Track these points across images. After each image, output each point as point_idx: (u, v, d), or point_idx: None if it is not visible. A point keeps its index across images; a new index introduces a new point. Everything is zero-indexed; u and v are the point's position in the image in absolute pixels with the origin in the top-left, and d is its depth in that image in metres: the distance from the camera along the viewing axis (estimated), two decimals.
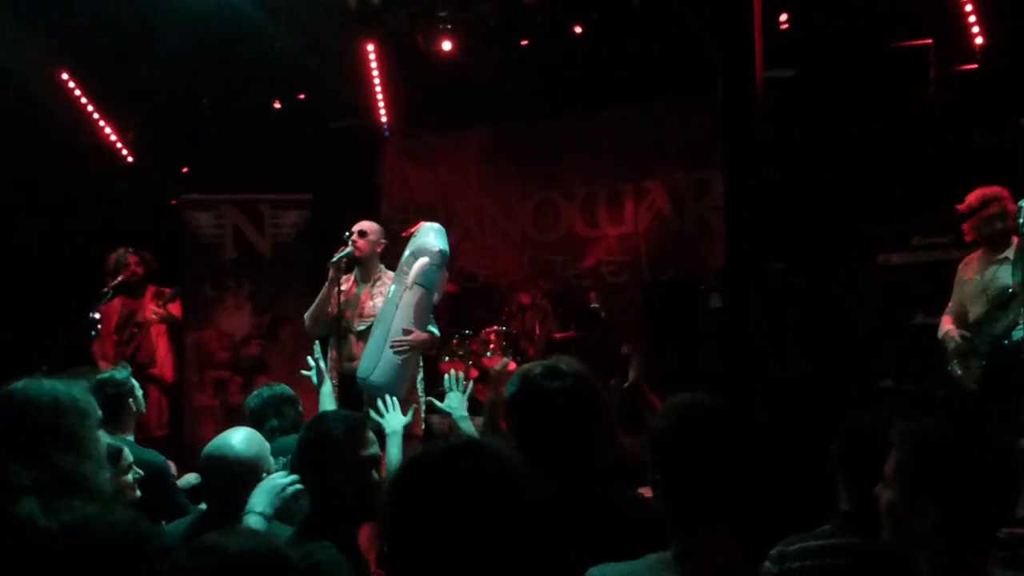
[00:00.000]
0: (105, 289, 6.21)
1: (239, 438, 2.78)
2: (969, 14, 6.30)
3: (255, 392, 4.17)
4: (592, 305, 7.07)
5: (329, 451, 2.50)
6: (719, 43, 4.85)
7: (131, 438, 3.79)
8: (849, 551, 2.26)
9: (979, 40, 6.34)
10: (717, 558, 1.84)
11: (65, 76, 7.63)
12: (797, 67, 6.46)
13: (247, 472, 2.70)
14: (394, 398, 3.51)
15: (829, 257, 6.20)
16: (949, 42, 6.33)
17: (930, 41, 6.21)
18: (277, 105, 8.27)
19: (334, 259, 5.44)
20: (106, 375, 3.85)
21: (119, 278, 6.27)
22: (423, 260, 5.30)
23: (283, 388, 4.14)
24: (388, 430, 3.28)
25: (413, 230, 5.70)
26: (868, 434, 2.30)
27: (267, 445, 2.87)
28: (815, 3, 6.51)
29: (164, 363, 6.20)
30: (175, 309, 6.20)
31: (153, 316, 6.00)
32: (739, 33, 4.73)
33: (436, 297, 5.48)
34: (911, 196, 6.09)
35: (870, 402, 5.41)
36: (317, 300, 5.51)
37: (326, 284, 5.40)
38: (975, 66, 6.38)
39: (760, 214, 4.84)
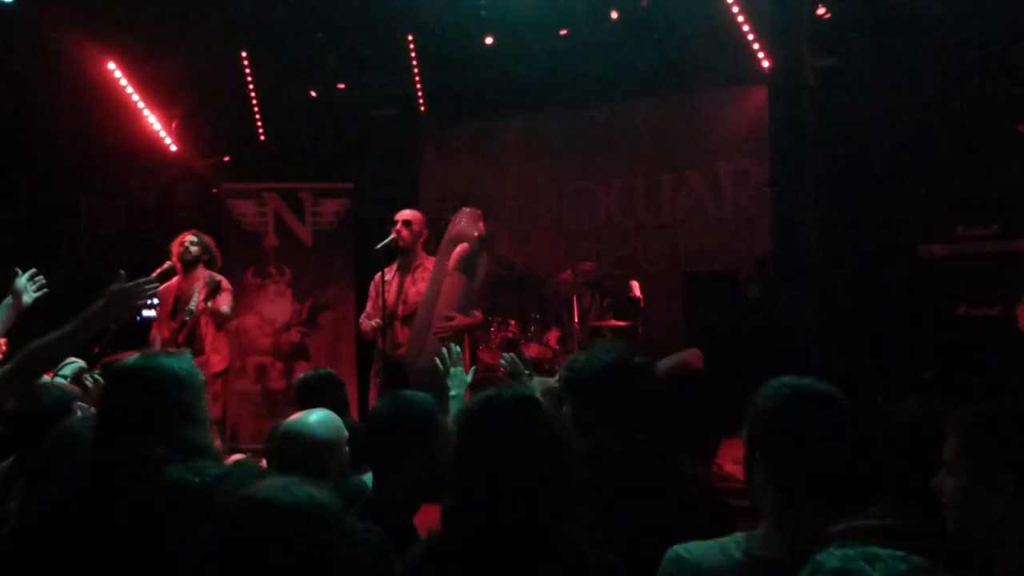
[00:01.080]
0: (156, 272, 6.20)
1: (316, 418, 2.85)
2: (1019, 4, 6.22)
3: (304, 373, 4.25)
4: (631, 294, 7.08)
5: (434, 430, 2.54)
6: (767, 31, 4.84)
7: None
8: (895, 532, 2.24)
9: None
10: (810, 536, 1.85)
11: (112, 65, 7.74)
12: (842, 56, 6.42)
13: (325, 451, 2.77)
14: (457, 350, 3.54)
15: (872, 247, 6.16)
16: (994, 32, 6.25)
17: (974, 31, 6.14)
18: (313, 95, 8.33)
19: (378, 247, 5.53)
20: (111, 361, 3.98)
21: (163, 264, 6.28)
22: (462, 245, 5.36)
23: (329, 371, 4.21)
24: (452, 392, 3.31)
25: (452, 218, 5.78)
26: (915, 420, 2.33)
27: (344, 428, 2.92)
28: None
29: (210, 352, 6.28)
30: (221, 302, 6.18)
31: (201, 307, 6.04)
32: (787, 22, 4.72)
33: (477, 282, 5.54)
34: (956, 186, 6.04)
35: (913, 392, 5.39)
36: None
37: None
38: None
39: (805, 204, 4.85)
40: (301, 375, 4.23)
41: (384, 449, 2.58)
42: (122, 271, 2.94)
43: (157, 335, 6.36)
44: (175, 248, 6.35)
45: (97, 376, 3.62)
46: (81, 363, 3.61)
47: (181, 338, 6.11)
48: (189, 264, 6.33)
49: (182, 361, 2.32)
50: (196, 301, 6.06)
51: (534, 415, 1.95)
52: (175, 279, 6.37)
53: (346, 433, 2.90)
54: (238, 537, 1.52)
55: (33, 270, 3.43)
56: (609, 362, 2.57)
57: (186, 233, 6.46)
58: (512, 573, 1.82)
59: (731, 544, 1.90)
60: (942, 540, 2.11)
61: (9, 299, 3.40)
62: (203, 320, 6.15)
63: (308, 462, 2.68)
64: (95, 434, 2.31)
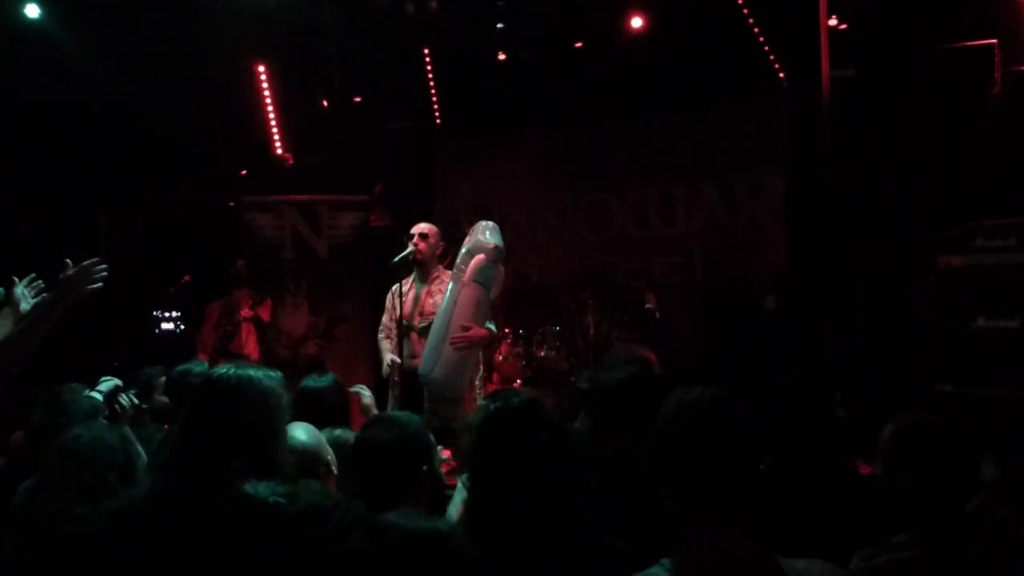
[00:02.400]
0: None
1: (300, 429, 2.86)
2: None
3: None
4: (647, 306, 7.08)
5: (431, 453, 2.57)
6: (784, 43, 4.84)
7: None
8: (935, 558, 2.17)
9: None
10: (731, 563, 1.78)
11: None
12: (858, 67, 6.42)
13: (310, 461, 2.78)
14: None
15: (889, 259, 6.14)
16: (1013, 42, 6.24)
17: (994, 41, 6.12)
18: (324, 104, 8.37)
19: (395, 260, 5.56)
20: (183, 367, 4.00)
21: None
22: (479, 257, 5.37)
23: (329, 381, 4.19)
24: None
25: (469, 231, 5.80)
26: (944, 443, 2.25)
27: (323, 436, 2.93)
28: (876, 3, 6.46)
29: (251, 357, 6.53)
30: (264, 312, 6.60)
31: (249, 313, 6.40)
32: (804, 33, 4.72)
33: (493, 293, 5.55)
34: (973, 197, 6.01)
35: (931, 407, 5.35)
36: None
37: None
38: None
39: (821, 215, 4.84)
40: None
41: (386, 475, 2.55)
42: (68, 260, 2.97)
43: (200, 343, 6.59)
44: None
45: (132, 396, 3.62)
46: (117, 381, 3.61)
47: (223, 344, 6.37)
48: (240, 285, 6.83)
49: (272, 379, 2.33)
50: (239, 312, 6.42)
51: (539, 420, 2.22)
52: (226, 297, 6.82)
53: (324, 441, 2.90)
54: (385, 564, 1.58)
55: (32, 275, 3.43)
56: (630, 376, 2.63)
57: (240, 260, 7.00)
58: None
59: (660, 572, 1.83)
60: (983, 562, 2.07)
61: (7, 309, 3.42)
62: (244, 328, 6.39)
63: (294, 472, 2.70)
64: (175, 442, 2.32)
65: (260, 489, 2.11)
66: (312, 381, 3.72)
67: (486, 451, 2.31)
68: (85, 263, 2.98)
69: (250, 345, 6.50)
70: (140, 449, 2.77)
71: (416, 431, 2.56)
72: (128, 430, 2.79)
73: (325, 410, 3.46)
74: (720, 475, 1.79)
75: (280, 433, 2.32)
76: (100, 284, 3.26)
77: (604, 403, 2.66)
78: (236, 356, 6.42)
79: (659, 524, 1.95)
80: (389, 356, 5.62)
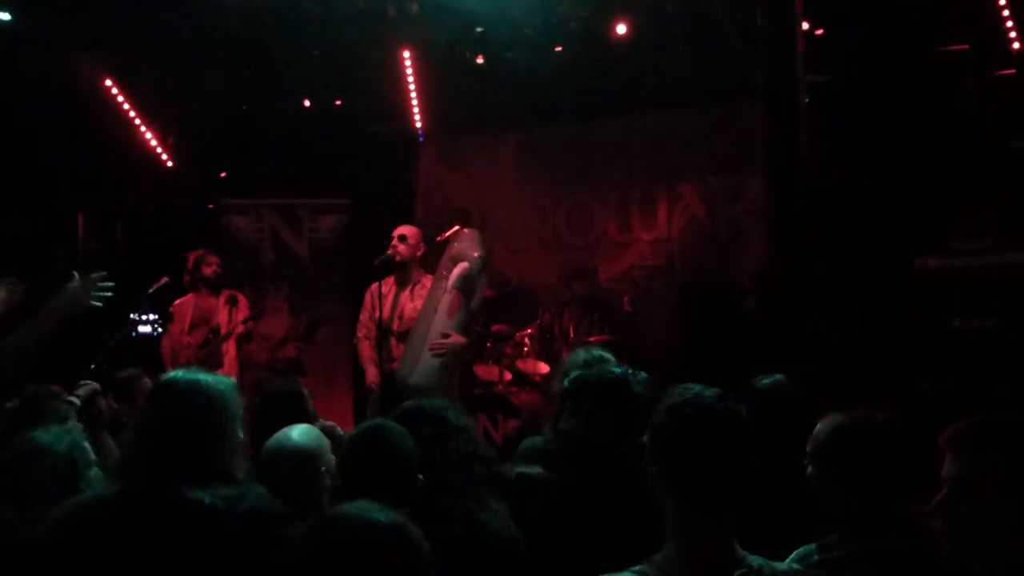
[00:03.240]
0: (186, 278, 6.41)
1: (296, 431, 2.86)
2: (1007, 19, 6.30)
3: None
4: (626, 309, 7.10)
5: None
6: (761, 47, 4.88)
7: None
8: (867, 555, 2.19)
9: (1016, 45, 6.34)
10: (713, 557, 1.81)
11: (108, 82, 7.77)
12: (834, 72, 6.47)
13: (310, 463, 2.78)
14: None
15: (867, 261, 6.19)
16: (987, 47, 6.31)
17: (967, 47, 6.19)
18: (307, 104, 8.34)
19: (375, 262, 5.57)
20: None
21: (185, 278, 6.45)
22: (462, 265, 5.38)
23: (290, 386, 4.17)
24: None
25: (447, 234, 5.81)
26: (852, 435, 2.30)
27: (324, 440, 2.93)
28: (852, 8, 6.52)
29: (230, 370, 6.38)
30: (249, 324, 6.47)
31: (239, 329, 6.23)
32: (781, 38, 4.76)
33: (474, 302, 5.57)
34: (949, 200, 6.08)
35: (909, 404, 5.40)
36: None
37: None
38: (1013, 71, 6.37)
39: (799, 217, 4.88)
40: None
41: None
42: (75, 271, 2.95)
43: (169, 348, 6.44)
44: (204, 270, 6.45)
45: (111, 399, 3.61)
46: (95, 385, 3.60)
47: (203, 354, 6.23)
48: (215, 286, 6.48)
49: (222, 382, 2.37)
50: (218, 318, 6.22)
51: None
52: (190, 296, 6.46)
53: (327, 444, 2.90)
54: (333, 557, 1.55)
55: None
56: (620, 375, 2.70)
57: (210, 255, 6.54)
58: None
59: (648, 570, 1.84)
60: (919, 562, 2.10)
61: None
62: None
63: (292, 474, 2.69)
64: (126, 447, 2.35)
65: (199, 493, 2.11)
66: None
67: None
68: (92, 276, 2.96)
69: (230, 355, 6.37)
70: (91, 457, 2.74)
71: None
72: (80, 436, 2.76)
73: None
74: (718, 473, 1.81)
75: (230, 437, 2.32)
76: (102, 301, 3.27)
77: (589, 402, 2.67)
78: (215, 368, 6.30)
79: (649, 521, 1.98)
80: (373, 371, 5.65)
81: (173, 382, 2.35)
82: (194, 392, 2.29)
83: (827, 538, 2.22)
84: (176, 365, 6.11)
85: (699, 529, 1.82)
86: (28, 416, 3.18)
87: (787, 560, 2.14)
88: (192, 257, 6.55)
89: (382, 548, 1.55)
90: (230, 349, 6.37)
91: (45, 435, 2.69)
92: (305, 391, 3.95)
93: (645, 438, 1.93)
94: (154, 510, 2.11)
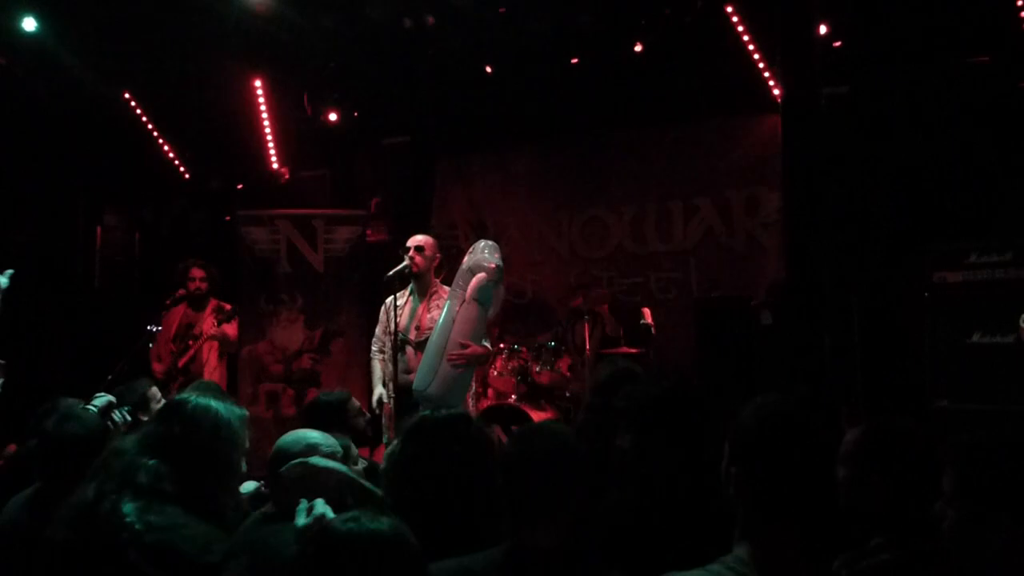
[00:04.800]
0: (168, 301, 6.47)
1: (316, 434, 2.86)
2: None
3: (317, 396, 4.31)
4: (643, 321, 7.08)
5: None
6: (779, 59, 4.87)
7: None
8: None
9: None
10: (788, 562, 1.84)
11: (127, 95, 7.83)
12: (852, 84, 6.44)
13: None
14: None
15: (885, 275, 6.15)
16: (1008, 58, 6.27)
17: (988, 58, 6.16)
18: (334, 119, 8.39)
19: (391, 273, 5.57)
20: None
21: (179, 291, 6.53)
22: (480, 276, 5.37)
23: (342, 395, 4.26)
24: None
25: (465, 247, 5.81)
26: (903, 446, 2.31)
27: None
28: (870, 19, 6.50)
29: (212, 377, 6.39)
30: (230, 329, 6.48)
31: (212, 331, 6.26)
32: (798, 49, 4.74)
33: (492, 312, 5.56)
34: (969, 213, 6.03)
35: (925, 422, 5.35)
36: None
37: None
38: None
39: (817, 231, 4.85)
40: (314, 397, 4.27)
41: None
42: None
43: (155, 354, 6.50)
44: (189, 284, 6.59)
45: (126, 412, 3.62)
46: (111, 398, 3.60)
47: (182, 362, 6.26)
48: (200, 300, 6.59)
49: (232, 411, 2.41)
50: (201, 326, 6.25)
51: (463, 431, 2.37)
52: (181, 306, 6.54)
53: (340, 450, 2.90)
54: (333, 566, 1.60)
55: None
56: (669, 390, 2.71)
57: (194, 269, 6.62)
58: None
59: (721, 570, 1.87)
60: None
61: None
62: (206, 347, 6.30)
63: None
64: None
65: (130, 508, 2.15)
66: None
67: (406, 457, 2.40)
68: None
69: (211, 364, 6.42)
70: None
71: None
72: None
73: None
74: (799, 480, 1.86)
75: (224, 465, 2.34)
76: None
77: (646, 418, 2.67)
78: (195, 376, 6.34)
79: (716, 530, 2.01)
80: (379, 391, 5.66)
81: (183, 401, 2.38)
82: (201, 414, 2.32)
83: (873, 542, 2.24)
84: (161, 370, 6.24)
85: (774, 532, 1.85)
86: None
87: (834, 567, 2.17)
88: (179, 268, 6.67)
89: (382, 555, 1.60)
90: (211, 357, 6.40)
91: None
92: (355, 404, 4.05)
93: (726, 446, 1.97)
94: (75, 513, 2.17)
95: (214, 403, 2.35)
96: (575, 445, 2.21)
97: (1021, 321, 4.83)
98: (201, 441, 2.29)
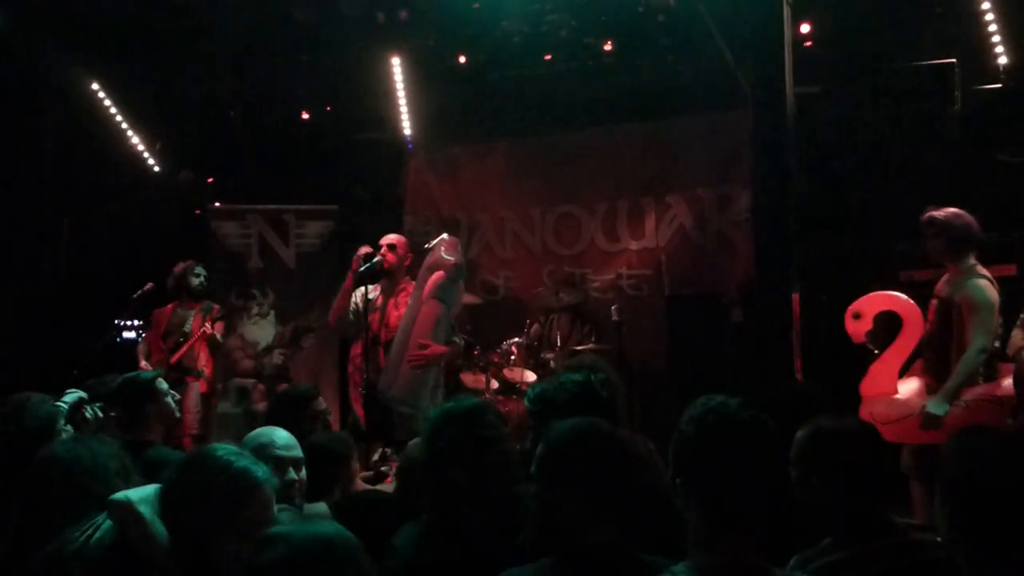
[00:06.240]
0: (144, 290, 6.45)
1: (280, 432, 2.87)
2: (993, 33, 6.35)
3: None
4: (613, 318, 7.10)
5: None
6: (749, 58, 4.89)
7: (156, 439, 3.82)
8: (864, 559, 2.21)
9: (1003, 60, 6.39)
10: (736, 569, 1.78)
11: (95, 87, 7.74)
12: (822, 84, 6.49)
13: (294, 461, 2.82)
14: None
15: (853, 273, 6.20)
16: (973, 61, 6.35)
17: (954, 60, 6.23)
18: (305, 116, 8.35)
19: (361, 269, 5.55)
20: (132, 375, 3.92)
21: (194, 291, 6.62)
22: (438, 273, 5.37)
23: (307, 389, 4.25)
24: None
25: (431, 244, 5.79)
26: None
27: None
28: (840, 21, 6.56)
29: (205, 372, 6.41)
30: (219, 329, 6.50)
31: (204, 331, 6.27)
32: (769, 49, 4.77)
33: (454, 310, 5.56)
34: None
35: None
36: (337, 300, 5.70)
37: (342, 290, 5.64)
38: (999, 85, 6.41)
39: (786, 229, 4.89)
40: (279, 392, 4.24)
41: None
42: None
43: (143, 351, 6.45)
44: (188, 278, 6.58)
45: (97, 408, 3.56)
46: (81, 393, 3.55)
47: (174, 359, 6.23)
48: (198, 297, 6.60)
49: (100, 449, 2.52)
50: (190, 324, 6.25)
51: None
52: (171, 304, 6.51)
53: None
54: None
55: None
56: (579, 387, 2.70)
57: (191, 263, 6.67)
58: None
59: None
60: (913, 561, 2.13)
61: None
62: (196, 344, 6.30)
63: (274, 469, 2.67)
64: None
65: (81, 540, 2.22)
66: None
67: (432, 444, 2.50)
68: None
69: (202, 359, 6.41)
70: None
71: None
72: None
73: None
74: (743, 485, 1.79)
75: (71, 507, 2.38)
76: None
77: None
78: (187, 370, 6.32)
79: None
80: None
81: (208, 453, 2.24)
82: (208, 462, 2.20)
83: (823, 542, 2.23)
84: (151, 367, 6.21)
85: (723, 541, 1.79)
86: (13, 421, 3.14)
87: (788, 567, 2.14)
88: (181, 266, 6.62)
89: (330, 558, 1.61)
90: (202, 354, 6.39)
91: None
92: (320, 403, 4.02)
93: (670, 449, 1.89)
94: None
95: (242, 457, 2.19)
96: (626, 443, 2.10)
97: None
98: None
